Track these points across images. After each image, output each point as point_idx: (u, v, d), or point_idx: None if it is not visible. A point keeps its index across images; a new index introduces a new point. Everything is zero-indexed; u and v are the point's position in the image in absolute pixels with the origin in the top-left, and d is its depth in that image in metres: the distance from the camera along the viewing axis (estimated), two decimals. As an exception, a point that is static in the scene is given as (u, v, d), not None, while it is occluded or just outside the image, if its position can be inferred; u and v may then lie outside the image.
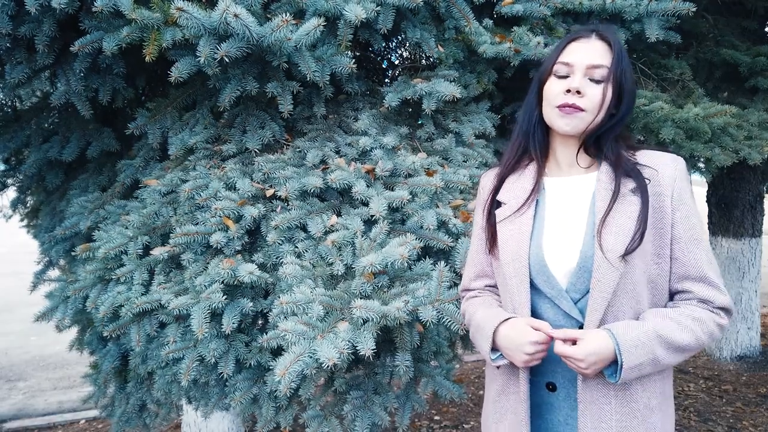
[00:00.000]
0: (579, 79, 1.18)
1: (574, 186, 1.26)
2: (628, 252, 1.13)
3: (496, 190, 1.33)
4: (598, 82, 1.18)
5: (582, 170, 1.27)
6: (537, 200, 1.27)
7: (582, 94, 1.18)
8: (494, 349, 1.25)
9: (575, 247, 1.19)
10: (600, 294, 1.14)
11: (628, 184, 1.18)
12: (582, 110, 1.18)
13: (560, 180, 1.28)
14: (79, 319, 2.38)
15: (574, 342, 1.12)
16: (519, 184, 1.31)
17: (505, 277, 1.26)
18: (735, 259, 4.39)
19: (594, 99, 1.18)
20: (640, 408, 1.17)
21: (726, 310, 1.18)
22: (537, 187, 1.28)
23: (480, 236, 1.37)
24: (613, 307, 1.16)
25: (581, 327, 1.18)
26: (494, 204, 1.33)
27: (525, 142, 1.32)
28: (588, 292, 1.17)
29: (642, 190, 1.16)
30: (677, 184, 1.18)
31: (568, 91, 1.18)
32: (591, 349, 1.09)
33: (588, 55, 1.19)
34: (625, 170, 1.19)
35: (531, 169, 1.31)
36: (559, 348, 1.12)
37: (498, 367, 1.30)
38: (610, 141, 1.22)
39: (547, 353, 1.17)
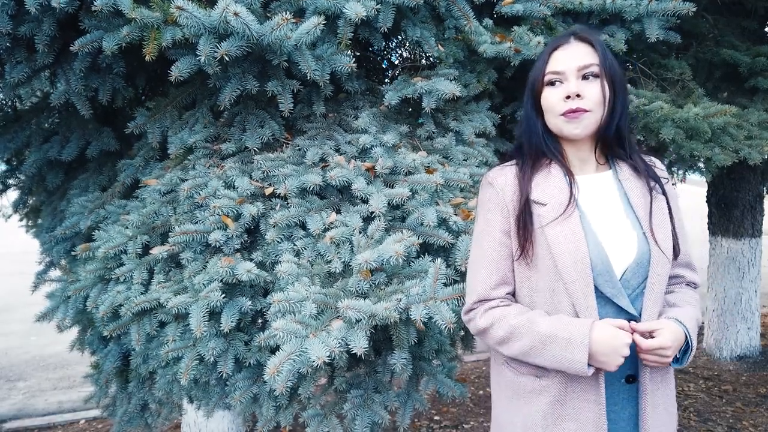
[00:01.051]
0: (574, 82, 1.22)
1: (596, 184, 1.29)
2: (676, 252, 1.28)
3: (528, 190, 1.26)
4: (592, 80, 1.22)
5: (593, 168, 1.30)
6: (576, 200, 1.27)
7: (582, 96, 1.21)
8: None
9: (631, 244, 1.23)
10: (659, 287, 1.22)
11: (651, 183, 1.28)
12: (586, 111, 1.21)
13: (582, 179, 1.30)
14: (80, 319, 2.38)
15: (648, 335, 1.18)
16: (551, 182, 1.26)
17: (565, 282, 1.20)
18: (735, 259, 4.38)
19: (594, 96, 1.21)
20: (673, 395, 1.32)
21: (698, 286, 1.40)
22: (573, 187, 1.26)
23: (502, 241, 1.28)
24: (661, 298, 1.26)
25: (632, 320, 1.22)
26: (528, 206, 1.26)
27: (539, 150, 1.30)
28: (638, 286, 1.23)
29: (662, 188, 1.29)
30: (668, 183, 1.32)
31: (568, 97, 1.22)
32: (673, 336, 1.16)
33: (575, 58, 1.22)
34: (646, 169, 1.30)
35: (556, 168, 1.28)
36: (648, 343, 1.15)
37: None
38: (627, 137, 1.29)
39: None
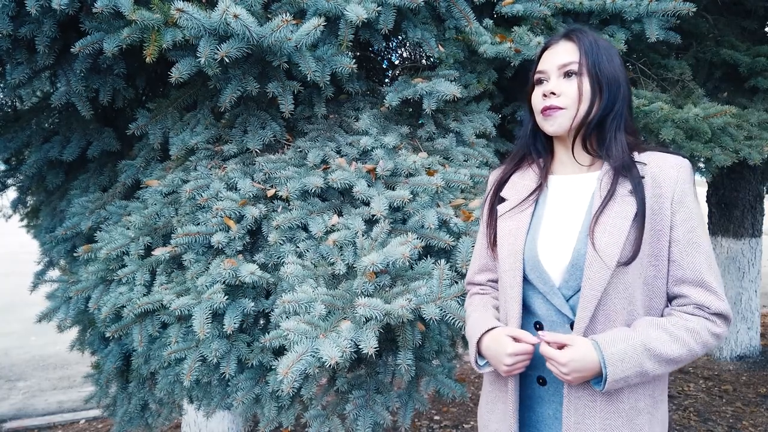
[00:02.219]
0: (553, 81, 1.23)
1: (576, 185, 1.28)
2: (627, 262, 1.14)
3: (499, 186, 1.37)
4: (571, 77, 1.22)
5: (584, 169, 1.28)
6: (538, 198, 1.30)
7: (557, 94, 1.22)
8: (481, 355, 1.29)
9: (569, 244, 1.21)
10: (591, 292, 1.14)
11: (627, 185, 1.18)
12: (561, 108, 1.22)
13: (563, 178, 1.30)
14: (81, 319, 2.39)
15: (561, 347, 1.13)
16: (522, 181, 1.35)
17: (501, 272, 1.29)
18: (735, 259, 4.39)
19: (570, 94, 1.22)
20: (626, 408, 1.17)
21: (723, 317, 1.16)
22: (539, 185, 1.31)
23: (484, 232, 1.40)
24: (605, 306, 1.16)
25: (572, 324, 1.19)
26: (497, 200, 1.36)
27: (526, 149, 1.37)
28: (579, 288, 1.18)
29: (637, 190, 1.16)
30: (678, 187, 1.17)
31: (545, 95, 1.24)
32: (575, 356, 1.10)
33: (556, 57, 1.24)
34: (623, 169, 1.19)
35: (534, 167, 1.35)
36: (544, 349, 1.15)
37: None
38: (611, 137, 1.22)
39: (532, 356, 1.20)
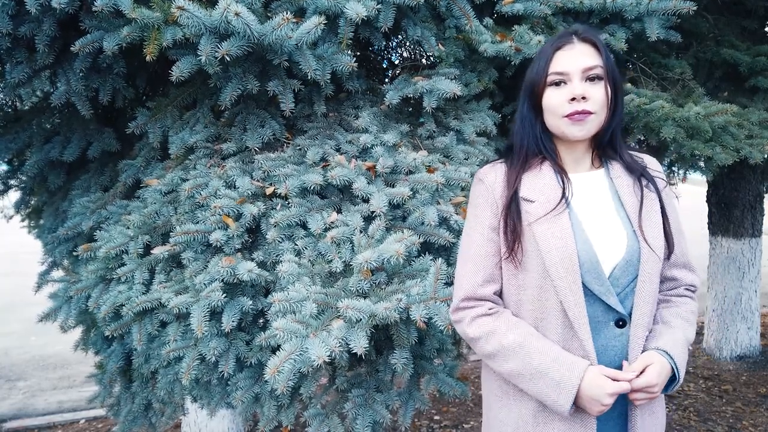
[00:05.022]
0: (578, 84, 1.21)
1: (588, 183, 1.29)
2: (669, 251, 1.27)
3: (516, 187, 1.27)
4: (596, 82, 1.22)
5: (587, 168, 1.31)
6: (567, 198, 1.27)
7: (587, 98, 1.20)
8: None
9: (620, 241, 1.23)
10: (650, 286, 1.21)
11: (643, 182, 1.28)
12: (591, 113, 1.21)
13: (576, 177, 1.30)
14: (83, 319, 2.39)
15: (642, 371, 1.17)
16: (542, 181, 1.27)
17: (553, 279, 1.20)
18: (735, 259, 4.38)
19: (599, 99, 1.22)
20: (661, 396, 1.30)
21: (697, 289, 1.36)
22: (564, 185, 1.26)
23: (490, 238, 1.28)
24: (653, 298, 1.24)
25: (618, 320, 1.22)
26: (515, 203, 1.26)
27: (532, 149, 1.30)
28: (627, 284, 1.22)
29: (655, 187, 1.28)
30: (662, 181, 1.31)
31: (573, 99, 1.20)
32: (660, 371, 1.17)
33: (580, 60, 1.22)
34: (638, 169, 1.29)
35: (547, 166, 1.29)
36: (638, 382, 1.15)
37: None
38: (618, 138, 1.29)
39: None
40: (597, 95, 1.21)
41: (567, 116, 1.21)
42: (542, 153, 1.29)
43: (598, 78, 1.21)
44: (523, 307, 1.26)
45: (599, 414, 1.17)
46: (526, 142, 1.30)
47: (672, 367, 1.19)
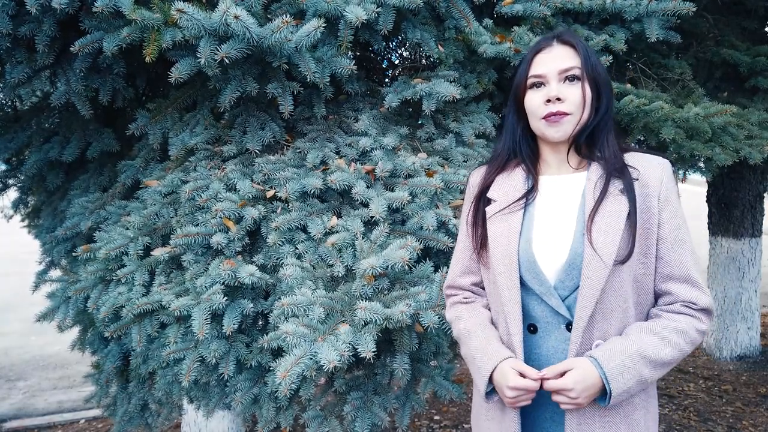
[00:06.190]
0: (555, 86, 1.22)
1: (565, 185, 1.28)
2: (623, 260, 1.16)
3: (486, 187, 1.34)
4: (574, 83, 1.22)
5: (572, 169, 1.29)
6: (527, 198, 1.29)
7: (562, 99, 1.21)
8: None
9: (565, 244, 1.21)
10: (590, 291, 1.15)
11: (617, 184, 1.20)
12: (566, 114, 1.21)
13: (551, 178, 1.30)
14: (81, 319, 2.39)
15: (562, 375, 1.14)
16: (509, 182, 1.32)
17: (495, 274, 1.26)
18: (735, 259, 4.39)
19: (575, 100, 1.21)
20: (623, 405, 1.19)
21: (707, 313, 1.20)
22: (530, 186, 1.29)
23: (467, 233, 1.37)
24: (602, 305, 1.17)
25: (569, 324, 1.20)
26: (483, 201, 1.34)
27: (511, 152, 1.34)
28: (576, 289, 1.18)
29: (629, 190, 1.19)
30: (664, 186, 1.21)
31: (549, 100, 1.21)
32: (578, 377, 1.11)
33: (556, 61, 1.22)
34: (615, 170, 1.21)
35: (520, 168, 1.33)
36: (548, 384, 1.14)
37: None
38: (602, 139, 1.25)
39: (535, 392, 1.17)
40: (572, 96, 1.21)
41: (544, 118, 1.23)
42: (517, 156, 1.33)
43: (576, 78, 1.21)
44: (490, 299, 1.35)
45: (512, 405, 1.19)
46: (508, 144, 1.34)
47: (601, 377, 1.11)
